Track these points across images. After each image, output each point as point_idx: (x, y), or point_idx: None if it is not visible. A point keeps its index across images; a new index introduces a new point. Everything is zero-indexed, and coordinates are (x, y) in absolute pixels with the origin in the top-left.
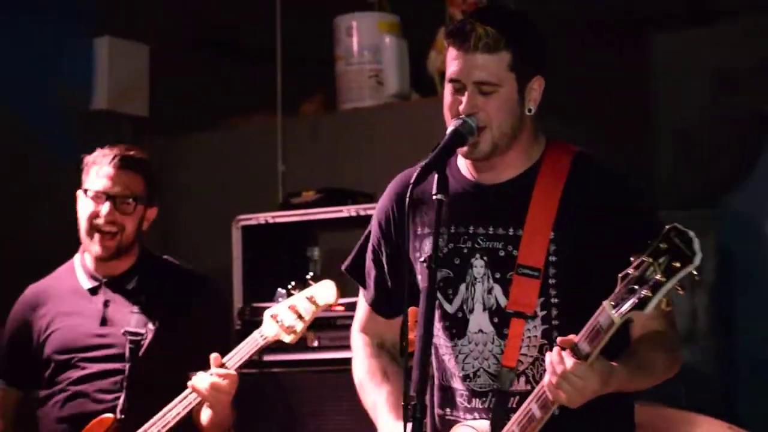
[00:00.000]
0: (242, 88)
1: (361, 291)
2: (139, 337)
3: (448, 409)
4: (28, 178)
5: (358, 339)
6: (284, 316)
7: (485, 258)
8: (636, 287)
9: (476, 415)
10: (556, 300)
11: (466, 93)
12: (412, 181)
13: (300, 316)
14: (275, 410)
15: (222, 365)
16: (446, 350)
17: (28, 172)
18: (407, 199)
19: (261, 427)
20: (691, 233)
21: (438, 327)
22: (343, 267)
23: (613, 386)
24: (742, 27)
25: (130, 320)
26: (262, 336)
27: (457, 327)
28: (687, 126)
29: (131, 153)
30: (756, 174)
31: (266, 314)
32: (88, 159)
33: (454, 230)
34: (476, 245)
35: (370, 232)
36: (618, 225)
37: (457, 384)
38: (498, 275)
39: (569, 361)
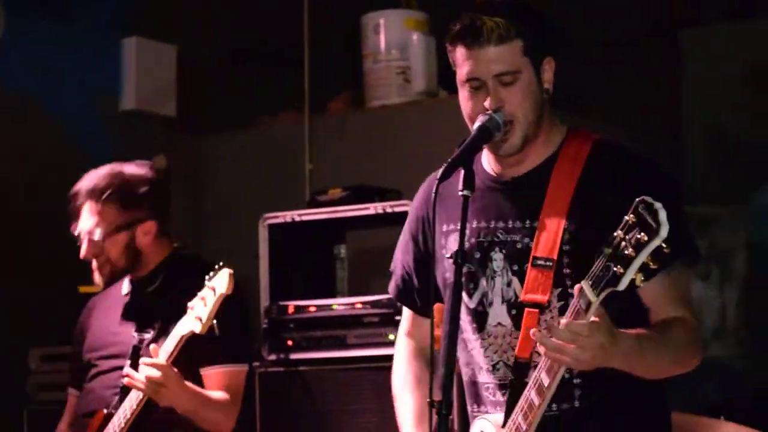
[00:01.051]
0: (270, 87)
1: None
2: (145, 336)
3: (475, 406)
4: (58, 180)
5: (400, 343)
6: (197, 307)
7: (504, 251)
8: (611, 264)
9: (499, 408)
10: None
11: (489, 88)
12: (437, 177)
13: (205, 305)
14: (301, 408)
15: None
16: (473, 344)
17: (58, 174)
18: (433, 195)
19: (286, 425)
20: (658, 204)
21: (465, 321)
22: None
23: (621, 348)
24: None
25: (141, 322)
26: (182, 326)
27: (478, 321)
28: (719, 121)
29: (100, 185)
30: None
31: (188, 305)
32: (72, 191)
33: (476, 225)
34: (495, 239)
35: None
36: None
37: (483, 377)
38: (516, 267)
39: (564, 320)
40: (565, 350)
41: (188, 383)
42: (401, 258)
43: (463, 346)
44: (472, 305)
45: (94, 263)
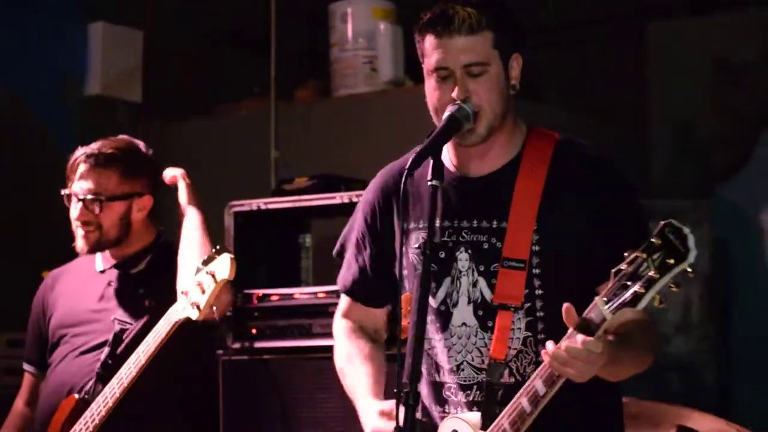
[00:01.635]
0: (236, 74)
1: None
2: (126, 326)
3: (437, 406)
4: (24, 164)
5: (338, 325)
6: (192, 292)
7: (470, 251)
8: (629, 283)
9: (462, 408)
10: (540, 291)
11: (457, 78)
12: (407, 167)
13: (203, 291)
14: (265, 397)
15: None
16: (434, 344)
17: (25, 158)
18: (402, 186)
19: (250, 413)
20: (686, 230)
21: (428, 321)
22: (334, 253)
23: (612, 363)
24: (743, 18)
25: (124, 306)
26: (175, 311)
27: (441, 321)
28: (685, 116)
29: (105, 150)
30: (752, 165)
31: (179, 290)
32: (71, 158)
33: (439, 224)
34: (461, 238)
35: (354, 223)
36: (600, 213)
37: (444, 377)
38: (482, 268)
39: (580, 336)
40: (574, 364)
41: None
42: (355, 253)
43: (424, 346)
44: (435, 305)
45: (81, 229)
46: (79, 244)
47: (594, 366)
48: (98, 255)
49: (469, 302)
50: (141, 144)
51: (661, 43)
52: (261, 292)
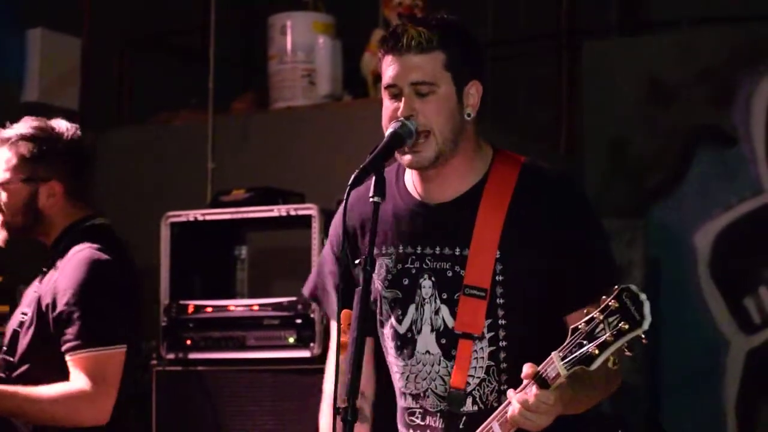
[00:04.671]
0: (174, 84)
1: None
2: (24, 317)
3: (404, 429)
4: None
5: (329, 375)
6: None
7: (433, 278)
8: (585, 342)
9: None
10: (503, 321)
11: (403, 96)
12: (349, 183)
13: None
14: (198, 408)
15: None
16: (399, 369)
17: None
18: (344, 201)
19: (183, 424)
20: (643, 296)
21: (392, 346)
22: (305, 293)
23: (569, 406)
24: (676, 38)
25: (29, 296)
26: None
27: (406, 347)
28: (619, 135)
29: (8, 132)
30: (685, 186)
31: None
32: None
33: (402, 250)
34: (424, 266)
35: (324, 257)
36: (564, 242)
37: (409, 403)
38: (445, 296)
39: (533, 389)
40: (528, 416)
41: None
42: (332, 282)
43: (391, 371)
44: (401, 331)
45: None
46: None
47: (548, 416)
48: None
49: (432, 330)
50: (56, 126)
51: (594, 62)
52: (196, 303)
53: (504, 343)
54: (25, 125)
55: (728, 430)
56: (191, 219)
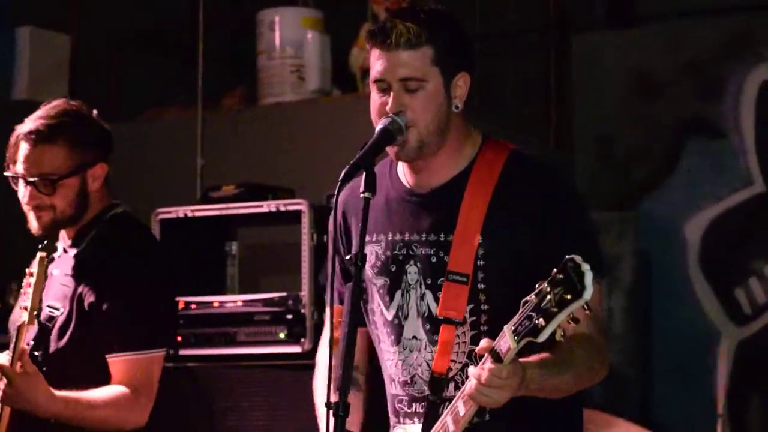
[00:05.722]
0: (163, 80)
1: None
2: (55, 312)
3: (393, 416)
4: None
5: (322, 355)
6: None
7: (418, 264)
8: (533, 314)
9: (413, 420)
10: (485, 306)
11: (392, 91)
12: (340, 178)
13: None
14: (189, 405)
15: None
16: (389, 356)
17: None
18: (335, 197)
19: (174, 421)
20: (585, 266)
21: (383, 333)
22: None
23: (533, 383)
24: (663, 31)
25: (57, 290)
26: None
27: (395, 334)
28: (608, 128)
29: (47, 122)
30: (674, 178)
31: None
32: (11, 136)
33: (391, 237)
34: (411, 252)
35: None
36: (546, 228)
37: (397, 390)
38: (429, 281)
39: (487, 363)
40: (482, 390)
41: (56, 391)
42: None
43: (382, 358)
44: (389, 317)
45: (34, 213)
46: (33, 225)
47: (504, 391)
48: (62, 232)
49: (418, 316)
50: (81, 106)
51: (583, 56)
52: (186, 299)
53: (485, 328)
54: (54, 112)
55: (719, 420)
56: (181, 215)
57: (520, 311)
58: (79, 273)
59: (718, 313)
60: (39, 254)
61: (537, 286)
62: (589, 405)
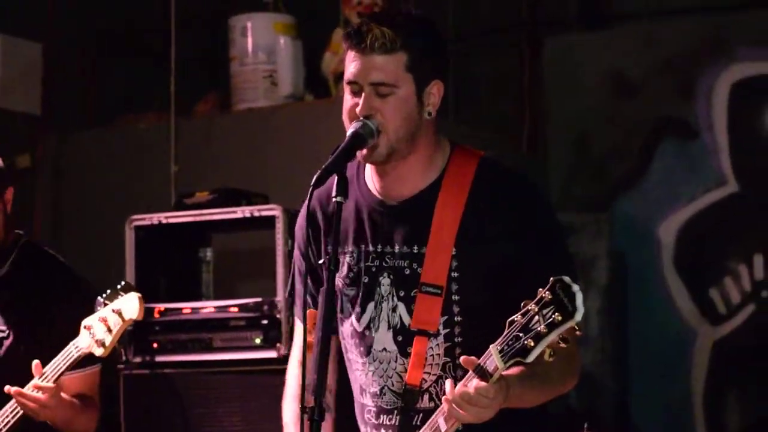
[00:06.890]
0: (135, 86)
1: (297, 316)
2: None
3: (362, 426)
4: None
5: (292, 371)
6: (96, 328)
7: (391, 276)
8: (521, 335)
9: (383, 431)
10: (459, 318)
11: (363, 94)
12: (312, 183)
13: (109, 329)
14: (165, 411)
15: (42, 375)
16: (357, 366)
17: None
18: (307, 202)
19: (151, 427)
20: (576, 288)
21: (351, 343)
22: (286, 294)
23: (514, 397)
24: (638, 31)
25: None
26: (76, 347)
27: (364, 345)
28: (582, 128)
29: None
30: (649, 178)
31: (82, 324)
32: None
33: (364, 249)
34: (383, 263)
35: (294, 258)
36: (519, 240)
37: (366, 400)
38: (402, 293)
39: (474, 381)
40: (468, 409)
41: (64, 395)
42: (300, 288)
43: (350, 367)
44: (360, 329)
45: None
46: None
47: (489, 410)
48: None
49: (389, 328)
50: None
51: (557, 56)
52: (162, 306)
53: (459, 339)
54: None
55: (696, 419)
56: (155, 222)
57: (506, 331)
58: (12, 294)
59: (694, 313)
60: None
61: (522, 305)
62: (563, 408)
